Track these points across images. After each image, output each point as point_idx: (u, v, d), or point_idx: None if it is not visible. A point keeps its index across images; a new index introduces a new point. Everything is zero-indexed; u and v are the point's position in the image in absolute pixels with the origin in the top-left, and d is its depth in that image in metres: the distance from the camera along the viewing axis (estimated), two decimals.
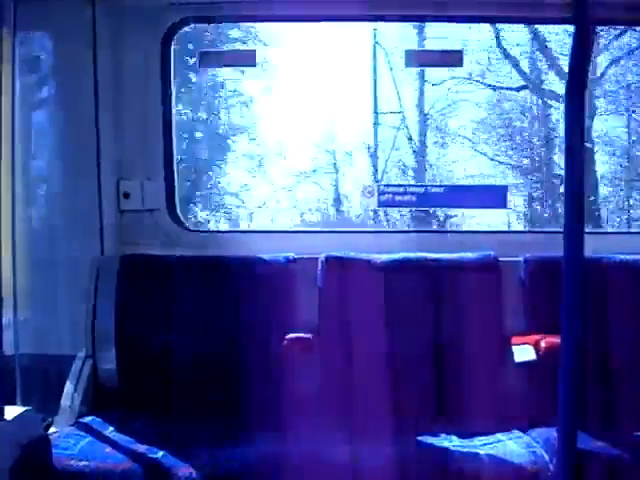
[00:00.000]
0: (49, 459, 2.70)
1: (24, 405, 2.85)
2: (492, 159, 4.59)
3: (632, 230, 3.85)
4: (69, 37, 3.46)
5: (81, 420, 3.13)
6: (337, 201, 4.39)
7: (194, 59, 3.85)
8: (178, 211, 3.81)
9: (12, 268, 2.95)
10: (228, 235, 3.84)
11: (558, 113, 4.11)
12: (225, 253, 3.55)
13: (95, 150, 3.56)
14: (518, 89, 4.80)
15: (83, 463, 2.70)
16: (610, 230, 3.80)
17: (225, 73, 4.14)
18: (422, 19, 3.78)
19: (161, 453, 2.76)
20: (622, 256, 3.44)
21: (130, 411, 3.21)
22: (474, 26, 3.96)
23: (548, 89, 4.33)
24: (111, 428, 3.02)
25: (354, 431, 2.95)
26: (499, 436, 2.93)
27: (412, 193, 3.86)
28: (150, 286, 3.46)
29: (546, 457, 2.70)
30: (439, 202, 3.87)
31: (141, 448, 2.80)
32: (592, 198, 4.00)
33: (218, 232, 3.91)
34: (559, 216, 3.98)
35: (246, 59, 3.82)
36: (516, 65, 4.44)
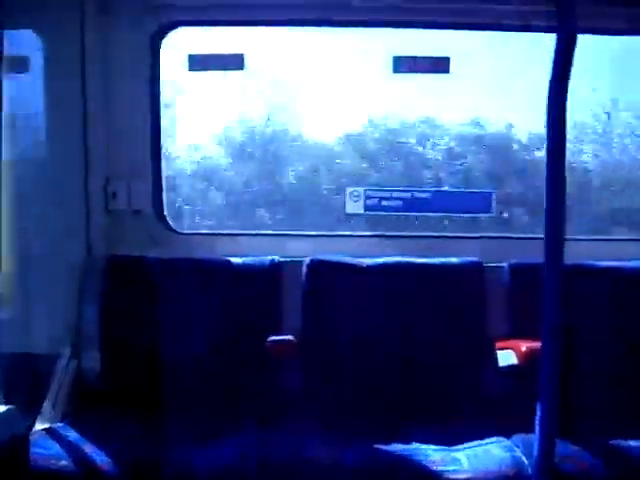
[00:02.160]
0: (27, 459, 2.70)
1: (7, 405, 2.85)
2: None
3: (613, 237, 3.86)
4: (57, 37, 3.47)
5: (64, 420, 3.13)
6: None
7: None
8: (165, 212, 3.82)
9: None
10: (214, 237, 3.85)
11: None
12: (211, 255, 3.56)
13: (83, 150, 3.56)
14: None
15: (63, 463, 2.70)
16: (590, 237, 3.80)
17: None
18: (407, 25, 3.79)
19: (144, 452, 2.77)
20: (603, 263, 3.48)
21: (114, 411, 3.22)
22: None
23: None
24: (94, 428, 3.02)
25: (335, 434, 2.96)
26: (480, 440, 2.94)
27: (398, 198, 3.88)
28: (136, 287, 3.47)
29: (526, 462, 2.72)
30: (425, 207, 3.89)
31: (124, 448, 2.81)
32: None
33: (204, 234, 3.90)
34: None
35: (234, 63, 3.83)
36: None
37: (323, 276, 3.47)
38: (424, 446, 2.87)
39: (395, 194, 3.88)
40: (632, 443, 2.89)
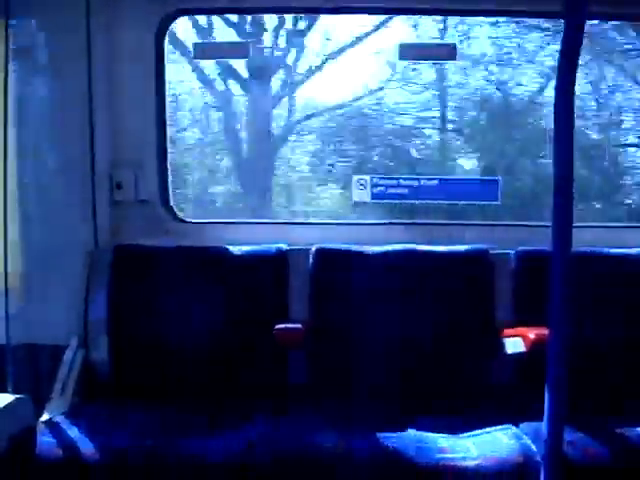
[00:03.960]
0: (34, 449, 2.71)
1: (16, 394, 2.87)
2: None
3: (619, 224, 3.85)
4: (63, 26, 3.46)
5: (72, 410, 3.14)
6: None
7: None
8: (171, 202, 3.82)
9: (4, 259, 2.96)
10: (221, 226, 3.85)
11: None
12: (218, 244, 3.56)
13: (88, 140, 3.56)
14: None
15: (70, 453, 2.71)
16: (598, 224, 3.79)
17: None
18: (413, 12, 3.78)
19: (152, 441, 2.78)
20: (609, 249, 3.47)
21: (121, 401, 3.22)
22: None
23: None
24: (102, 418, 3.02)
25: (343, 421, 2.96)
26: (488, 428, 2.94)
27: (405, 186, 3.87)
28: (143, 277, 3.47)
29: (534, 449, 2.72)
30: (431, 195, 3.88)
31: (132, 437, 2.81)
32: None
33: (211, 223, 3.90)
34: None
35: (240, 51, 3.82)
36: None
37: (330, 264, 3.47)
38: (432, 434, 2.86)
39: (402, 182, 3.87)
40: (637, 429, 2.89)
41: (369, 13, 3.91)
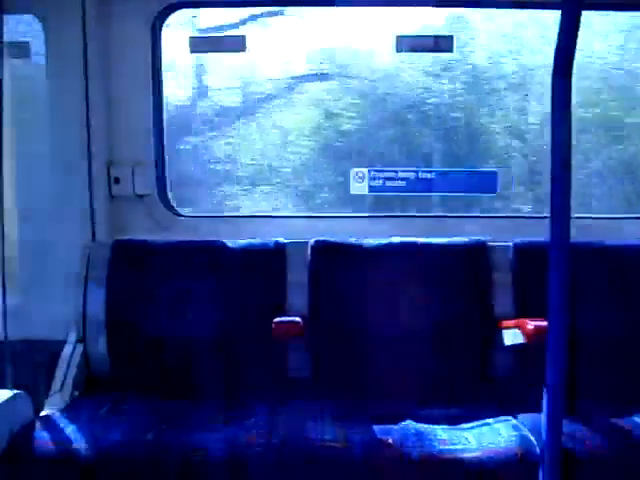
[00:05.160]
0: (33, 444, 2.72)
1: (15, 390, 2.87)
2: None
3: (617, 215, 3.85)
4: (58, 22, 3.45)
5: (71, 405, 3.14)
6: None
7: None
8: (169, 196, 3.82)
9: (1, 254, 2.96)
10: (219, 220, 3.85)
11: None
12: (216, 238, 3.56)
13: (86, 135, 3.56)
14: None
15: (70, 447, 2.71)
16: (596, 216, 3.79)
17: None
18: (409, 3, 3.77)
19: (151, 435, 2.78)
20: (608, 240, 3.48)
21: (121, 395, 3.22)
22: None
23: None
24: (101, 412, 3.03)
25: (343, 414, 2.97)
26: (487, 420, 2.94)
27: (402, 179, 3.86)
28: (141, 271, 3.47)
29: (533, 441, 2.72)
30: (429, 187, 3.87)
31: (132, 432, 2.81)
32: None
33: (209, 217, 3.90)
34: None
35: (236, 44, 3.82)
36: None
37: (328, 257, 3.47)
38: (432, 426, 2.87)
39: (400, 174, 3.87)
40: (636, 420, 2.89)
41: (367, 5, 3.90)
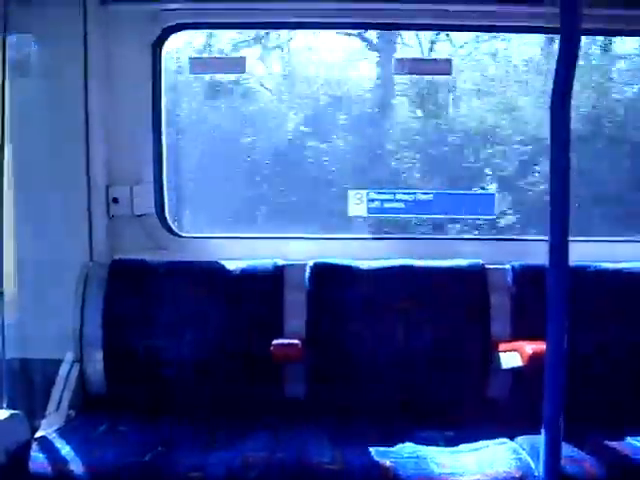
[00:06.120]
0: (29, 464, 2.70)
1: (11, 409, 2.86)
2: None
3: (616, 238, 3.85)
4: (60, 42, 3.47)
5: (68, 424, 3.13)
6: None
7: None
8: (167, 216, 3.82)
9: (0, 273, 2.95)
10: (217, 241, 3.84)
11: None
12: (214, 258, 3.56)
13: (85, 155, 3.56)
14: None
15: (66, 467, 2.71)
16: (594, 239, 3.79)
17: None
18: (406, 28, 3.82)
19: (148, 457, 2.77)
20: (606, 264, 3.48)
21: (117, 415, 3.21)
22: None
23: None
24: (98, 433, 3.02)
25: (340, 436, 2.96)
26: (485, 442, 2.94)
27: (401, 200, 3.87)
28: (138, 291, 3.46)
29: (532, 464, 2.71)
30: (427, 209, 3.88)
31: (127, 453, 2.80)
32: None
33: (207, 238, 3.90)
34: None
35: (236, 66, 3.84)
36: None
37: (326, 279, 3.47)
38: (430, 448, 2.86)
39: (398, 196, 3.88)
40: (631, 442, 2.89)
41: (358, 28, 3.96)
